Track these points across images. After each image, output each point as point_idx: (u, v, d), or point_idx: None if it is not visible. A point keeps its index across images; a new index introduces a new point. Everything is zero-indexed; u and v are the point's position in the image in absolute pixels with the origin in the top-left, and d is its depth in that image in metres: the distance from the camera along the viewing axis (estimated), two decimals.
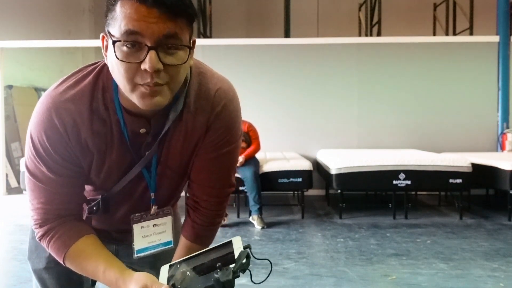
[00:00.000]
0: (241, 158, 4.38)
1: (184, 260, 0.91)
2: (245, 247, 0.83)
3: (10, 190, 6.53)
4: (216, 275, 0.79)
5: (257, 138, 4.55)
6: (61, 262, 0.98)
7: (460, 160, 4.51)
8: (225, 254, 0.85)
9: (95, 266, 0.94)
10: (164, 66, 0.81)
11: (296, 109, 6.33)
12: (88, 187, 1.04)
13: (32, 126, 0.91)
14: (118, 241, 1.17)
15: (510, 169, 4.30)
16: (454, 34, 7.04)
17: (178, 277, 0.86)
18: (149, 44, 0.78)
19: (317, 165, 5.88)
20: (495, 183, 4.64)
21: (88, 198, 1.05)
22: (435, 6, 7.77)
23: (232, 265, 0.80)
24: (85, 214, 1.04)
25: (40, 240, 0.98)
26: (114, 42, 0.80)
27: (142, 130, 0.95)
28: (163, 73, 0.81)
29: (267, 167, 4.66)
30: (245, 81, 6.13)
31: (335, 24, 8.73)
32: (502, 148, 6.12)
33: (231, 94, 1.00)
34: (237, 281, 0.79)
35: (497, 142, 6.21)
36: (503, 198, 4.85)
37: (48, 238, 0.97)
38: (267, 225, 4.32)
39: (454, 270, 3.00)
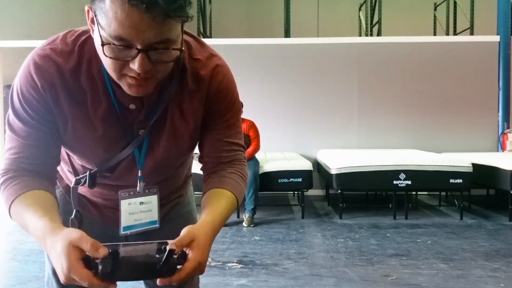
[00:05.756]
0: None
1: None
2: None
3: None
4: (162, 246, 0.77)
5: (256, 137, 4.50)
6: (8, 213, 0.89)
7: (460, 160, 4.50)
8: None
9: (31, 216, 0.83)
10: (153, 63, 0.79)
11: (296, 109, 6.33)
12: (78, 163, 1.01)
13: (16, 79, 0.89)
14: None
15: (510, 169, 4.29)
16: (455, 33, 7.03)
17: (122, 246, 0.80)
18: (139, 47, 0.76)
19: (317, 165, 5.88)
20: (495, 183, 4.63)
21: (79, 174, 1.03)
22: (436, 6, 7.75)
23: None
24: (72, 184, 1.03)
25: None
26: (103, 44, 0.77)
27: (132, 106, 0.92)
28: (152, 68, 0.80)
29: (267, 167, 4.65)
30: (245, 81, 6.12)
31: (335, 24, 8.71)
32: (503, 148, 6.11)
33: (227, 69, 0.99)
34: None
35: (497, 142, 6.21)
36: (504, 198, 4.84)
37: (5, 185, 0.90)
38: (268, 225, 4.32)
39: (455, 271, 3.00)
